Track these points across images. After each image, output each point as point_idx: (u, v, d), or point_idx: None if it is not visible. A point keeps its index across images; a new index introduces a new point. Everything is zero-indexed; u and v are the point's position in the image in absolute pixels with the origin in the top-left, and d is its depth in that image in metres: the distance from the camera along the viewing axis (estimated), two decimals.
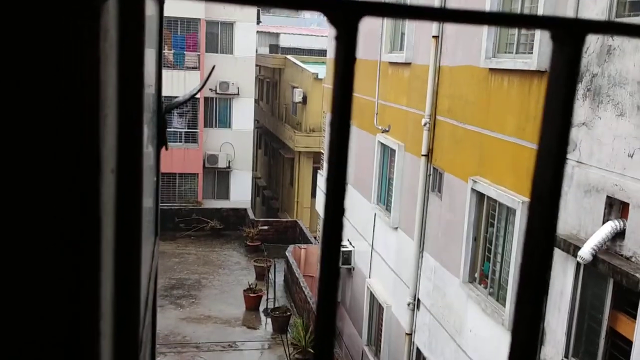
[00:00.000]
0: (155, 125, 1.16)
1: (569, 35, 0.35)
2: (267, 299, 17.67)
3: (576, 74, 0.36)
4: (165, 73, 26.94)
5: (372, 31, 13.76)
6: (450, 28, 10.29)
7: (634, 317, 6.01)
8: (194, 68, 25.95)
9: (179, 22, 25.80)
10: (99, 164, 0.44)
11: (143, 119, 0.73)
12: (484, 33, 8.91)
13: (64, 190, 0.45)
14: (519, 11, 8.37)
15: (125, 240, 0.60)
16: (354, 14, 0.33)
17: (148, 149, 1.02)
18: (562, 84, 0.35)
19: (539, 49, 7.58)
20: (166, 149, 1.31)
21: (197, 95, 25.48)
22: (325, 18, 0.36)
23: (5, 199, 0.44)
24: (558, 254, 7.05)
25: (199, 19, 25.86)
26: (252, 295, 17.85)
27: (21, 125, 0.43)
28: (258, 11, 28.14)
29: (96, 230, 0.46)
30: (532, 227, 0.41)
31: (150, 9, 1.10)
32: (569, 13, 7.01)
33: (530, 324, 0.45)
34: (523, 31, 8.34)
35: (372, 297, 13.61)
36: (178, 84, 24.91)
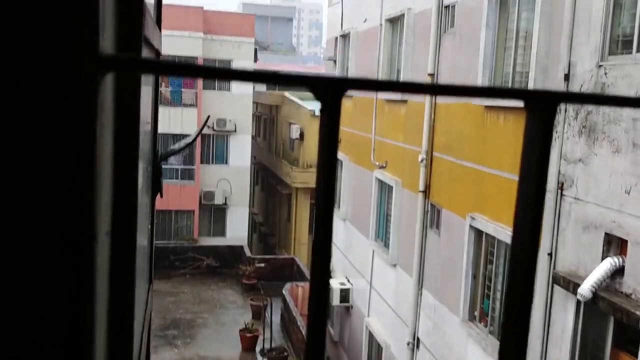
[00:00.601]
0: (150, 173, 1.18)
1: (541, 105, 0.37)
2: (263, 339, 17.42)
3: (549, 142, 0.37)
4: (162, 110, 27.11)
5: (368, 68, 13.95)
6: (445, 65, 10.44)
7: (636, 355, 5.94)
8: (191, 105, 26.17)
9: (176, 60, 26.15)
10: (94, 229, 0.46)
11: (138, 184, 0.75)
12: (479, 71, 9.03)
13: (59, 253, 0.46)
14: (512, 56, 8.49)
15: (119, 299, 0.61)
16: (336, 89, 0.34)
17: (143, 197, 1.03)
18: (537, 150, 0.36)
19: (534, 87, 7.68)
20: (161, 196, 1.33)
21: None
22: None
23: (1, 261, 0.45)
24: (558, 291, 7.01)
25: (197, 57, 26.20)
26: (248, 335, 17.61)
27: (18, 193, 0.45)
28: (255, 49, 28.53)
29: (90, 291, 0.47)
30: (513, 279, 0.42)
31: (145, 52, 1.12)
32: (563, 52, 7.12)
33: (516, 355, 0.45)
34: (518, 69, 8.47)
35: (371, 337, 13.44)
36: (175, 121, 25.08)
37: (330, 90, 0.34)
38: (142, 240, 0.99)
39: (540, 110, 0.37)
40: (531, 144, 0.37)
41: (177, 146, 1.97)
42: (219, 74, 0.34)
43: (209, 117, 3.11)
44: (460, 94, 0.37)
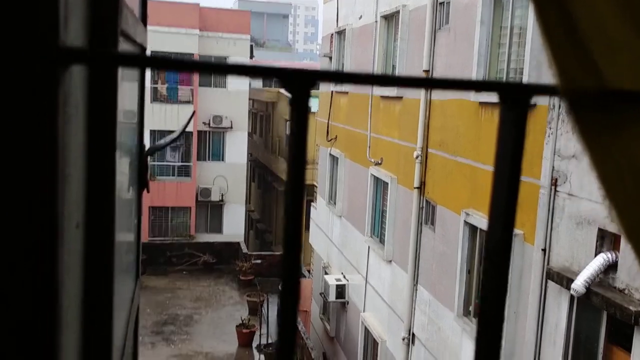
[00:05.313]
0: (136, 168, 1.18)
1: (515, 98, 0.36)
2: (260, 335, 17.46)
3: (523, 134, 0.37)
4: (159, 107, 26.83)
5: (364, 64, 13.94)
6: (441, 62, 10.44)
7: (629, 350, 5.96)
8: (187, 102, 26.13)
9: (172, 57, 26.08)
10: (55, 223, 0.45)
11: (115, 169, 0.74)
12: (474, 66, 9.04)
13: (16, 250, 0.45)
14: (506, 52, 8.50)
15: (95, 295, 0.60)
16: (305, 81, 0.34)
17: (129, 193, 1.02)
18: (511, 143, 0.36)
19: (528, 82, 7.68)
20: (147, 191, 1.32)
21: (190, 129, 25.59)
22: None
23: None
24: (552, 286, 7.03)
25: (193, 54, 26.12)
26: (245, 330, 17.64)
27: None
28: (251, 46, 28.47)
29: (54, 288, 0.46)
30: (485, 294, 0.42)
31: (125, 47, 1.10)
32: None
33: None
34: (512, 65, 8.47)
35: (367, 332, 13.46)
36: (172, 117, 25.06)
37: (299, 82, 0.34)
38: (126, 234, 0.98)
39: (514, 103, 0.37)
40: (505, 141, 0.37)
41: (163, 141, 1.97)
42: (184, 65, 0.33)
43: (194, 112, 3.10)
44: (434, 87, 0.37)
